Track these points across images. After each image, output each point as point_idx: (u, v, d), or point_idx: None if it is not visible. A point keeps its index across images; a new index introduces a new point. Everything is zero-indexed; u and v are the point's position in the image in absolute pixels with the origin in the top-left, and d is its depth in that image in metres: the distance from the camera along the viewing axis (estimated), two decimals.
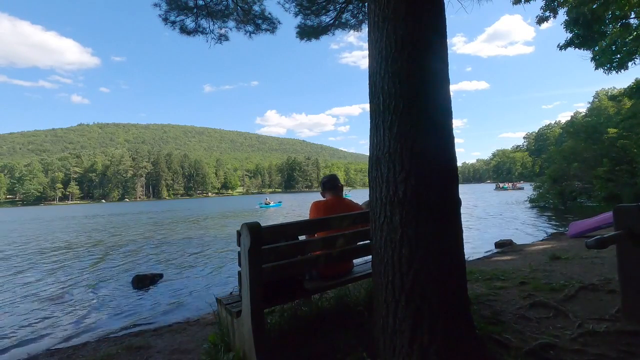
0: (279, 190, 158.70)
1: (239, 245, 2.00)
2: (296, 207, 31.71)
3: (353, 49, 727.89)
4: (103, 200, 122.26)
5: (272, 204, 36.09)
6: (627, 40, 8.60)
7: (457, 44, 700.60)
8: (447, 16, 1.92)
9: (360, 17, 5.59)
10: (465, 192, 45.52)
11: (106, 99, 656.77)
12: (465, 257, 1.91)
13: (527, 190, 39.12)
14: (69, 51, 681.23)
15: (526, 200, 20.88)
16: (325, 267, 2.49)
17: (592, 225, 7.00)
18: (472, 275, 3.84)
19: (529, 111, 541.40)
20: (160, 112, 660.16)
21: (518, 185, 56.99)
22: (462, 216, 1.89)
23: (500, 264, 5.05)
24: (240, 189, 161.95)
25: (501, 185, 59.72)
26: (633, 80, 11.81)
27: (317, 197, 2.99)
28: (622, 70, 8.97)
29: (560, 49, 8.84)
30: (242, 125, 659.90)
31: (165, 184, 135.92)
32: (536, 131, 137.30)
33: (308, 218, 2.55)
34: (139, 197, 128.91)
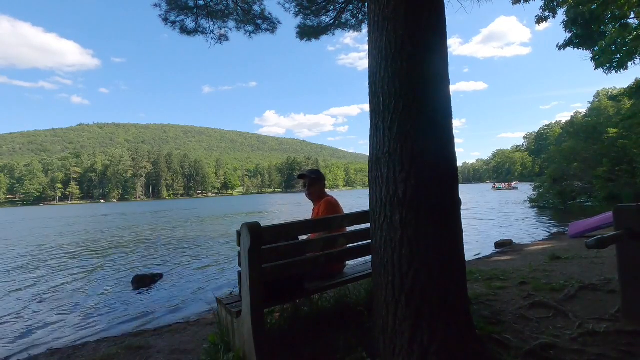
0: (279, 190, 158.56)
1: (239, 245, 2.00)
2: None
3: (350, 51, 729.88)
4: (102, 200, 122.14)
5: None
6: (626, 40, 8.62)
7: (453, 46, 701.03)
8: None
9: (360, 17, 5.60)
10: (465, 192, 45.55)
11: (106, 100, 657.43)
12: (465, 257, 1.90)
13: (521, 189, 39.90)
14: (69, 53, 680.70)
15: (526, 200, 20.87)
16: (325, 267, 2.51)
17: (592, 225, 7.00)
18: (472, 275, 3.84)
19: (527, 112, 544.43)
20: (160, 112, 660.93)
21: (512, 185, 59.39)
22: (462, 216, 1.88)
23: (500, 264, 5.05)
24: (240, 189, 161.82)
25: (496, 185, 63.49)
26: (633, 80, 11.83)
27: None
28: (621, 70, 9.00)
29: (559, 48, 8.87)
30: (241, 126, 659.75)
31: (165, 184, 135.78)
32: (536, 131, 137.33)
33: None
34: (139, 197, 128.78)
